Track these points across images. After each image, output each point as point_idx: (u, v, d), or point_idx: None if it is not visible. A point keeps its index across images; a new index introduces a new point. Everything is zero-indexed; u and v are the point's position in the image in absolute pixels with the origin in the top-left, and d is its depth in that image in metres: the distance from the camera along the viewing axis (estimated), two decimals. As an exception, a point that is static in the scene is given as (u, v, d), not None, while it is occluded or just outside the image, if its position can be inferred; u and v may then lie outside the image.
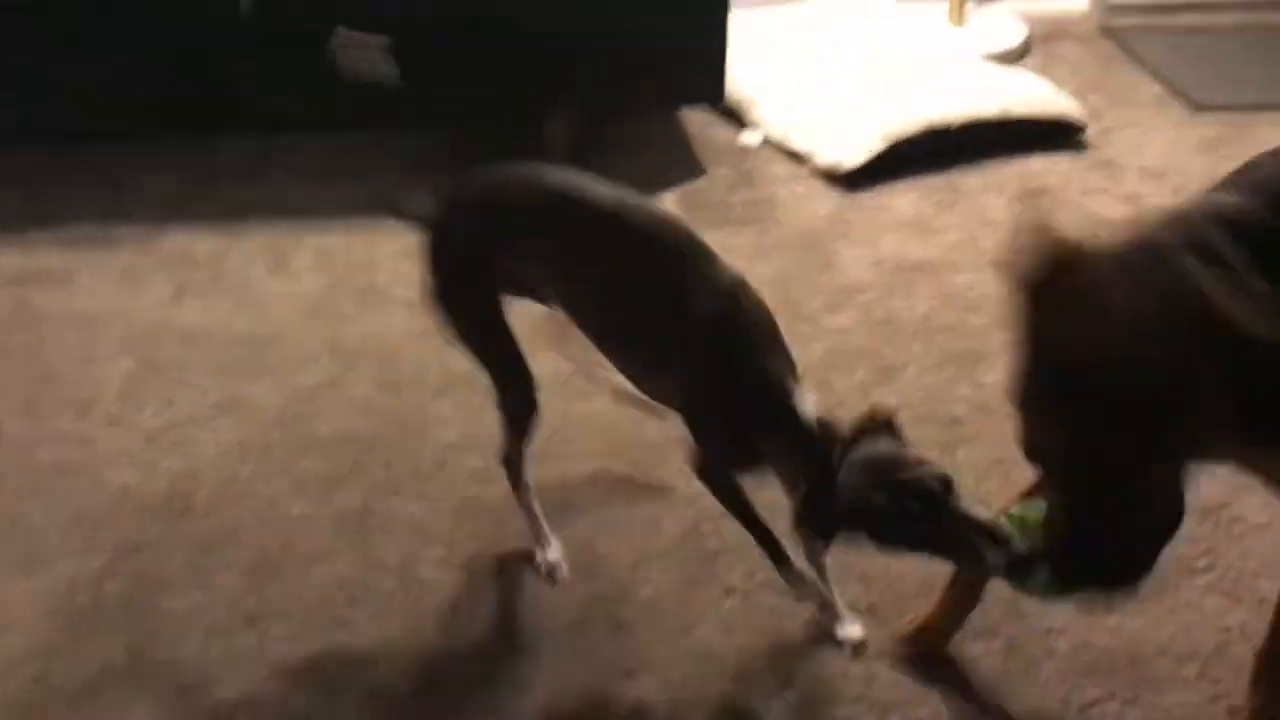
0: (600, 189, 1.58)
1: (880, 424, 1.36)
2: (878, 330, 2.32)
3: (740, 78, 3.17)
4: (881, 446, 1.33)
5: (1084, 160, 2.96)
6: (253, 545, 1.83)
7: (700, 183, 2.89)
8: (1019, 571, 1.24)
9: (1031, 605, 1.60)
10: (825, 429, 1.40)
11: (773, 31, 3.45)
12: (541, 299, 1.67)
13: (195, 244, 2.63)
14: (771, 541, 1.58)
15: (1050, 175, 2.87)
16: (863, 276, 2.49)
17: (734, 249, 1.69)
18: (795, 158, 2.98)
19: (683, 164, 2.97)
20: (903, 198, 2.78)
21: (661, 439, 2.00)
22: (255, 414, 2.11)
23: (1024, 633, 1.64)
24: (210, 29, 2.63)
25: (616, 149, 3.03)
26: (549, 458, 1.91)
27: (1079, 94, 3.32)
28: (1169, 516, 1.18)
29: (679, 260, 1.52)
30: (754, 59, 3.26)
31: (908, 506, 1.26)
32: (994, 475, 1.90)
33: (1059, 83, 3.39)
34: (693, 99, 2.98)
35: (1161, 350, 1.09)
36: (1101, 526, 1.16)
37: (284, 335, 2.32)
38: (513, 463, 1.75)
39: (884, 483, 1.28)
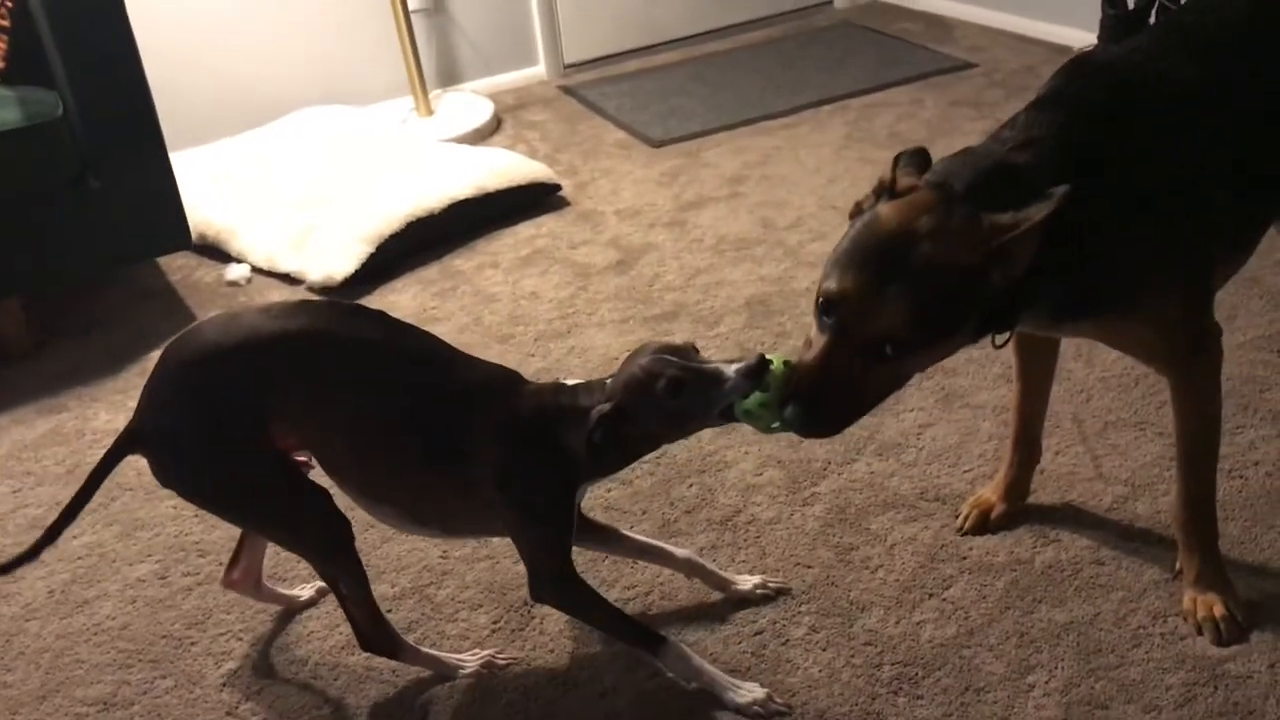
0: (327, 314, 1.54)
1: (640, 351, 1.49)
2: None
3: (212, 214, 3.03)
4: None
5: (567, 216, 3.09)
6: None
7: (194, 331, 2.71)
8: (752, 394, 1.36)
9: None
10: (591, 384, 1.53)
11: (236, 160, 3.33)
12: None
13: None
14: (640, 630, 1.59)
15: (539, 238, 2.97)
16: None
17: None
18: (289, 280, 2.88)
19: (172, 315, 2.78)
20: (403, 294, 2.76)
21: (169, 644, 1.82)
22: None
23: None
24: None
25: (100, 317, 2.78)
26: (47, 695, 1.67)
27: (553, 155, 3.49)
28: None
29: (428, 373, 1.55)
30: (222, 192, 3.13)
31: (667, 363, 1.41)
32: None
33: (533, 148, 3.55)
34: (159, 248, 2.79)
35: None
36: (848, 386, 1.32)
37: None
38: (383, 623, 1.62)
39: (645, 363, 1.43)
